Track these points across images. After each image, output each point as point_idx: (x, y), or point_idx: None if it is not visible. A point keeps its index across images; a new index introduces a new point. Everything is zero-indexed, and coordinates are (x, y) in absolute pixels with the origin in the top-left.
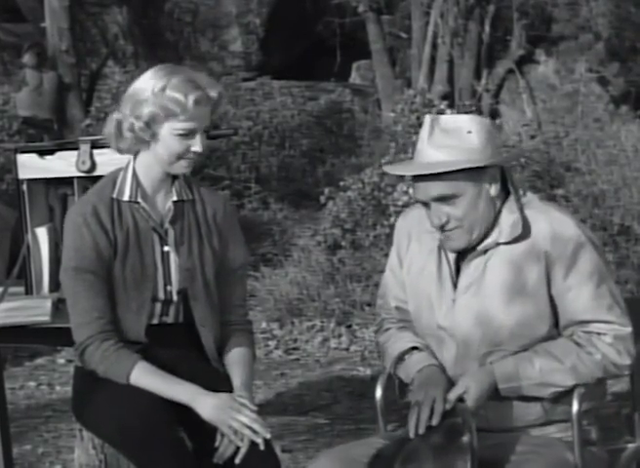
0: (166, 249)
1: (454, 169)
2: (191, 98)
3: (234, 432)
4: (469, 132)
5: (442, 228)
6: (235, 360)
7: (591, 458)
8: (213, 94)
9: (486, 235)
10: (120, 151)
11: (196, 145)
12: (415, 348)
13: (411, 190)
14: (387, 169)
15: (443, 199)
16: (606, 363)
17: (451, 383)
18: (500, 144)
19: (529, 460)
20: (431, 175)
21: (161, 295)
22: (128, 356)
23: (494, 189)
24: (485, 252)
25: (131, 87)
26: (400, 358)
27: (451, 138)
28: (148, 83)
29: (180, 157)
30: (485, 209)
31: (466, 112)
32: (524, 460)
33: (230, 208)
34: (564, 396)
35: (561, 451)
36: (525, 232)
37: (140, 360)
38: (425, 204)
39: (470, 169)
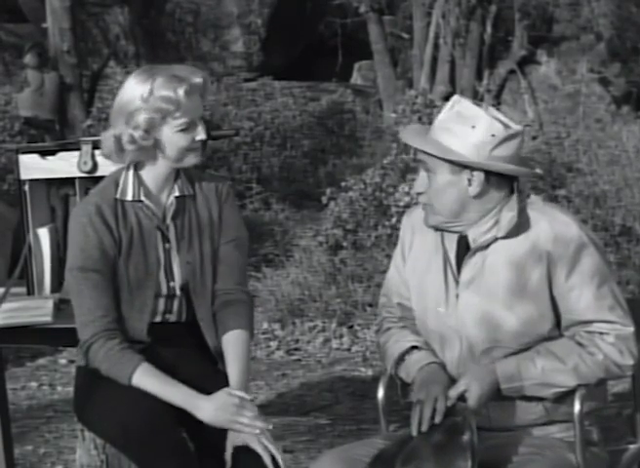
0: (168, 246)
1: (432, 154)
2: (181, 92)
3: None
4: (473, 127)
5: (418, 195)
6: (230, 347)
7: (593, 459)
8: (197, 80)
9: (484, 231)
10: (126, 163)
11: (199, 134)
12: (415, 347)
13: (412, 191)
14: (404, 130)
15: (423, 165)
16: (608, 363)
17: (452, 381)
18: (504, 153)
19: (531, 461)
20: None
21: (164, 291)
22: (131, 357)
23: (472, 190)
24: (485, 248)
25: (116, 101)
26: (400, 358)
27: (457, 124)
28: (134, 91)
29: (187, 150)
30: (453, 200)
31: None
32: (526, 461)
33: (225, 190)
34: (566, 396)
35: (563, 452)
36: (526, 231)
37: (142, 362)
38: None
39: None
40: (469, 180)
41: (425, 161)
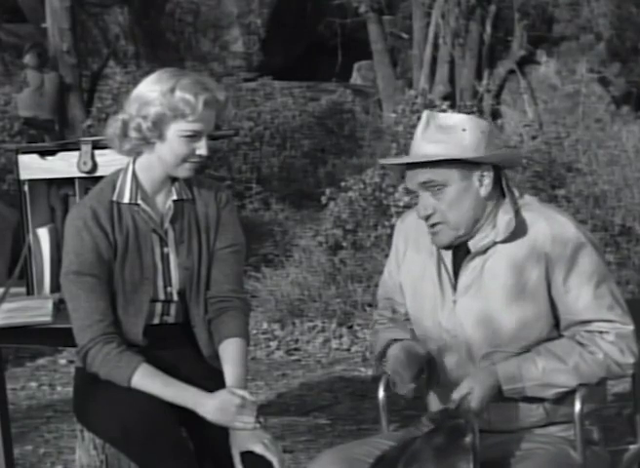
0: (166, 250)
1: (442, 158)
2: (201, 99)
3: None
4: (464, 129)
5: (427, 219)
6: (226, 355)
7: (593, 458)
8: (221, 97)
9: (483, 236)
10: (122, 153)
11: (201, 148)
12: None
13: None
14: (382, 161)
15: (430, 186)
16: (609, 362)
17: (452, 383)
18: (497, 146)
19: (534, 455)
20: (423, 164)
21: (161, 296)
22: (129, 360)
23: (484, 190)
24: (484, 252)
25: (135, 89)
26: (383, 353)
27: (445, 134)
28: (155, 85)
29: (184, 160)
30: (470, 207)
31: (467, 113)
32: (529, 455)
33: (225, 197)
34: (566, 397)
35: (564, 447)
36: (524, 233)
37: (141, 363)
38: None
39: (461, 164)
40: (480, 181)
41: (430, 179)
